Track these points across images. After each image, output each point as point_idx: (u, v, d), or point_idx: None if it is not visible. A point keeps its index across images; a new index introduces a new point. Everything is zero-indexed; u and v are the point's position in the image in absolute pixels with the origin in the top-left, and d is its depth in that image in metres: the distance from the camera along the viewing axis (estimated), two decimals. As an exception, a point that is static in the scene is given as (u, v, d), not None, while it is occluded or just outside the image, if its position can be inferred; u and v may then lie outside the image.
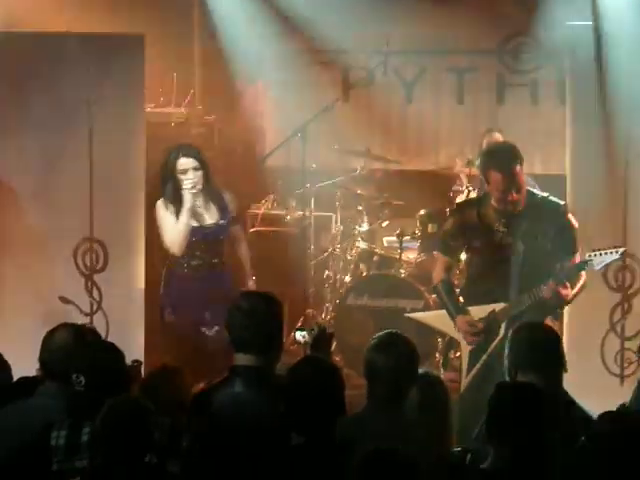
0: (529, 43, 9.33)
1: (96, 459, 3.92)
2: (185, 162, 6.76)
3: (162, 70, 9.17)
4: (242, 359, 4.56)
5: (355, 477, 3.34)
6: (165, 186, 6.81)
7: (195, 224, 6.78)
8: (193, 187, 6.71)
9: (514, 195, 5.86)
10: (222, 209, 6.83)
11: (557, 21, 7.70)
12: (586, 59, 6.75)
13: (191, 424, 4.50)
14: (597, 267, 5.82)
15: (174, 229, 6.75)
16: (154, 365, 5.26)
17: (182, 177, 6.74)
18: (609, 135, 6.76)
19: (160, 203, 6.85)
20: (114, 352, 4.69)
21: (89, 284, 7.40)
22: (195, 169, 6.75)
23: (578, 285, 5.88)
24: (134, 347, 6.88)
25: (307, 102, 9.27)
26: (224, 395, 4.50)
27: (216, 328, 6.63)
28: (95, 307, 7.39)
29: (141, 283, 7.42)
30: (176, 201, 6.75)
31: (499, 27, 9.47)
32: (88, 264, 7.39)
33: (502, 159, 5.91)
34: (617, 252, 5.77)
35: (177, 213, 6.74)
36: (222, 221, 6.81)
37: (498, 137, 8.32)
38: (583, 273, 5.90)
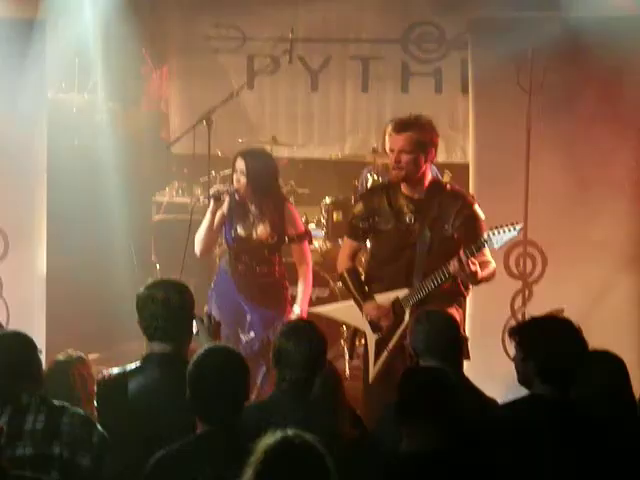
0: (433, 33, 9.40)
1: None
2: (238, 164, 6.49)
3: (64, 55, 9.04)
4: (157, 347, 4.57)
5: (261, 465, 3.32)
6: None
7: (242, 233, 6.56)
8: (229, 191, 6.47)
9: (398, 157, 5.88)
10: (275, 227, 6.53)
11: (460, 11, 7.77)
12: (489, 49, 6.82)
13: (105, 412, 4.45)
14: (497, 246, 5.76)
15: (201, 229, 6.57)
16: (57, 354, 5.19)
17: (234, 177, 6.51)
18: (511, 124, 6.85)
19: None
20: (24, 341, 4.58)
21: (-11, 273, 7.28)
22: (243, 174, 6.46)
23: (488, 269, 5.92)
24: (36, 336, 6.69)
25: (212, 89, 9.24)
26: (139, 383, 4.47)
27: (252, 334, 6.53)
28: (-5, 296, 7.28)
29: (43, 271, 7.31)
30: (217, 201, 6.52)
31: (404, 16, 9.52)
32: (-12, 252, 7.28)
33: (399, 122, 5.98)
34: (515, 229, 5.74)
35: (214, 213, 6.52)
36: (271, 240, 6.52)
37: None
38: (492, 261, 5.95)
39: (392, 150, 5.98)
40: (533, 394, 4.23)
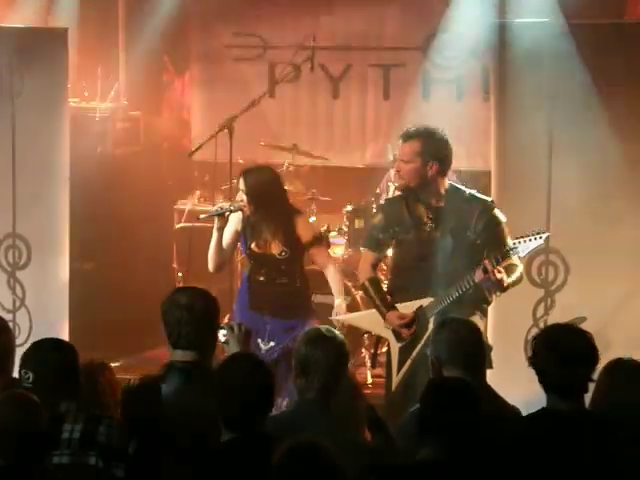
0: (454, 39, 9.40)
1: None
2: (240, 183, 6.58)
3: (87, 64, 9.09)
4: (180, 355, 4.53)
5: (274, 470, 3.32)
6: None
7: (256, 249, 6.57)
8: (231, 209, 6.53)
9: (398, 166, 5.99)
10: (287, 241, 6.51)
11: (481, 18, 7.76)
12: (510, 56, 6.81)
13: (133, 420, 4.44)
14: (522, 254, 5.77)
15: (210, 246, 6.63)
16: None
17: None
18: (533, 131, 6.83)
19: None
20: (65, 348, 4.57)
21: (12, 281, 7.31)
22: (244, 192, 6.52)
23: (515, 274, 5.89)
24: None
25: (234, 97, 9.27)
26: (166, 393, 4.42)
27: (272, 343, 6.53)
28: (18, 304, 7.30)
29: (65, 280, 7.34)
30: (220, 218, 6.60)
31: (425, 23, 9.52)
32: (11, 260, 7.30)
33: (404, 132, 6.02)
34: (541, 237, 5.74)
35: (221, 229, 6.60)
36: (283, 254, 6.51)
37: None
38: (520, 264, 5.94)
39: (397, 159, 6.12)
40: (544, 408, 4.19)
